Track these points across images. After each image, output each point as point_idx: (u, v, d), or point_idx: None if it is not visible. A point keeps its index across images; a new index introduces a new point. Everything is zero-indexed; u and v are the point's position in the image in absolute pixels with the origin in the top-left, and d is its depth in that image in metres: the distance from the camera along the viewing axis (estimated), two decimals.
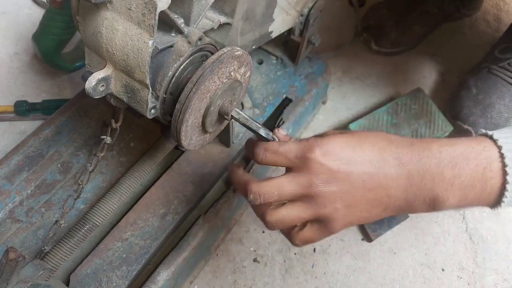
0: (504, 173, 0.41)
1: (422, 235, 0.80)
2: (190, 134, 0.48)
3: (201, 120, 0.48)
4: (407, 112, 0.87)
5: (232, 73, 0.48)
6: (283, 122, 0.76)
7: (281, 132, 0.50)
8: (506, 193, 0.42)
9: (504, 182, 0.41)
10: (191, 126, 0.47)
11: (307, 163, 0.42)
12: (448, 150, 0.42)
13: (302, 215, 0.43)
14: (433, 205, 0.42)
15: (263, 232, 0.79)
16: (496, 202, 0.43)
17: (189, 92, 0.44)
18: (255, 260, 0.76)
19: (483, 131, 0.45)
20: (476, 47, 1.03)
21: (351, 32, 1.03)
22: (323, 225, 0.44)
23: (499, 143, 0.42)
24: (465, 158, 0.42)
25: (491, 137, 0.43)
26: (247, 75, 0.53)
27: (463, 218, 0.82)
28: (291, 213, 0.43)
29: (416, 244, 0.79)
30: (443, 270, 0.77)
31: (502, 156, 0.41)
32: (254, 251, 0.77)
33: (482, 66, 0.91)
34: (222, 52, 0.46)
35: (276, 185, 0.43)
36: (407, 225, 0.80)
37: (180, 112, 0.45)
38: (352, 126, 0.84)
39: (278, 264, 0.76)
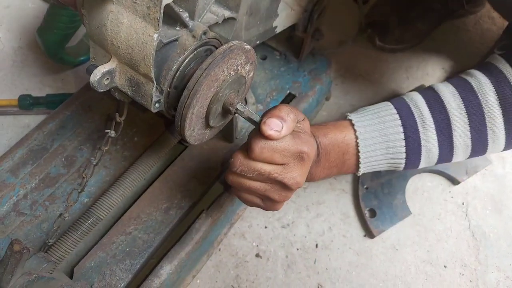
0: (358, 155, 0.57)
1: (424, 232, 0.80)
2: (194, 125, 0.48)
3: (206, 110, 0.48)
4: None
5: (239, 68, 0.49)
6: None
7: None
8: (360, 170, 0.59)
9: (357, 162, 0.58)
10: (196, 114, 0.47)
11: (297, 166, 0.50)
12: (325, 141, 0.56)
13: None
14: (311, 179, 0.58)
15: (266, 227, 0.79)
16: (353, 172, 0.60)
17: (199, 77, 0.44)
18: (257, 255, 0.76)
19: (347, 114, 0.59)
20: (480, 45, 1.03)
21: (355, 29, 1.03)
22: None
23: (355, 127, 0.57)
24: (332, 146, 0.56)
25: (351, 121, 0.58)
26: (251, 75, 0.53)
27: (466, 215, 0.82)
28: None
29: (419, 241, 0.79)
30: (445, 267, 0.77)
31: (357, 138, 0.57)
32: (257, 246, 0.77)
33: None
34: (232, 44, 0.46)
35: (261, 168, 0.48)
36: (409, 222, 0.80)
37: (188, 98, 0.45)
38: None
39: (281, 259, 0.76)
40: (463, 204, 0.83)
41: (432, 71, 0.99)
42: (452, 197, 0.84)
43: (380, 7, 1.03)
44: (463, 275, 0.76)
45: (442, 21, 1.02)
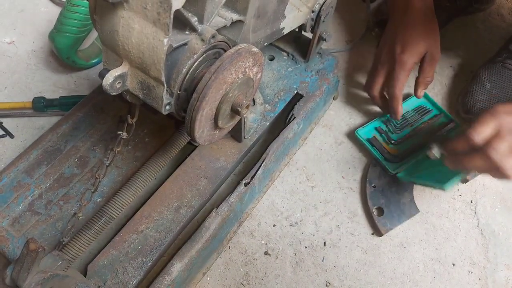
0: None
1: (432, 230, 0.80)
2: (203, 126, 0.49)
3: (215, 112, 0.49)
4: (418, 113, 0.89)
5: (247, 70, 0.50)
6: (294, 118, 0.77)
7: None
8: None
9: None
10: (205, 116, 0.48)
11: None
12: None
13: None
14: None
15: (274, 225, 0.80)
16: None
17: (208, 80, 0.45)
18: (266, 253, 0.77)
19: None
20: (489, 42, 1.02)
21: (362, 28, 1.03)
22: None
23: None
24: None
25: None
26: (258, 76, 0.54)
27: (475, 213, 0.82)
28: None
29: (427, 239, 0.79)
30: (453, 265, 0.77)
31: None
32: (265, 244, 0.78)
33: (496, 61, 0.90)
34: (240, 47, 0.47)
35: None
36: (417, 220, 0.80)
37: (197, 100, 0.46)
38: (359, 131, 0.86)
39: (289, 257, 0.77)
40: (471, 202, 0.83)
41: (440, 69, 0.99)
42: (460, 195, 0.84)
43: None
44: (471, 273, 0.76)
45: (450, 19, 1.02)
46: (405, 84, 0.77)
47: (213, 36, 0.48)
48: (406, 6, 0.77)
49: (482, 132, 0.58)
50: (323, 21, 0.74)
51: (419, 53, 0.76)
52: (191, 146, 0.72)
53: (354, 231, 0.80)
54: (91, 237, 0.61)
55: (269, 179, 0.82)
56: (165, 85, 0.46)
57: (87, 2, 0.79)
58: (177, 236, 0.67)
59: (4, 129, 0.87)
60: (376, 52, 0.83)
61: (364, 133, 0.86)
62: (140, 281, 0.62)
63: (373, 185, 0.82)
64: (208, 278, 0.75)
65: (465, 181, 0.84)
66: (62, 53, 0.88)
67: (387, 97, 0.81)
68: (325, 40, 0.79)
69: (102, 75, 0.47)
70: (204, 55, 0.48)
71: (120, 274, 0.61)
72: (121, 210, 0.63)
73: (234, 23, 0.54)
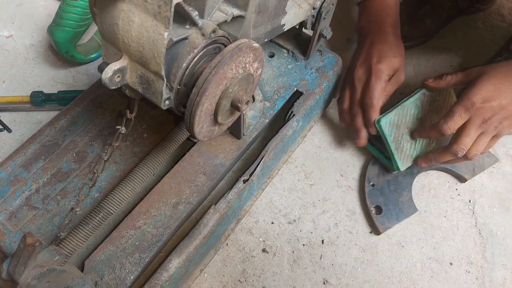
0: None
1: (430, 229, 0.80)
2: (203, 122, 0.49)
3: (214, 107, 0.49)
4: (431, 105, 0.86)
5: (247, 66, 0.49)
6: (294, 115, 0.77)
7: None
8: None
9: None
10: (205, 112, 0.48)
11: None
12: None
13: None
14: None
15: (272, 223, 0.80)
16: None
17: (208, 75, 0.45)
18: (264, 250, 0.77)
19: None
20: (489, 42, 1.02)
21: None
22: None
23: None
24: None
25: None
26: (259, 72, 0.53)
27: (473, 213, 0.82)
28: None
29: (425, 238, 0.79)
30: (451, 264, 0.77)
31: None
32: (263, 241, 0.78)
33: (496, 60, 0.91)
34: (241, 42, 0.47)
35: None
36: (415, 219, 0.80)
37: (197, 95, 0.46)
38: (383, 121, 0.84)
39: (287, 255, 0.77)
40: (470, 201, 0.83)
41: (440, 69, 0.99)
42: (459, 194, 0.84)
43: None
44: (469, 272, 0.76)
45: (451, 19, 1.02)
46: (382, 94, 0.75)
47: (214, 31, 0.47)
48: (379, 27, 0.79)
49: (452, 128, 0.67)
50: (324, 18, 0.73)
51: (393, 67, 0.76)
52: (190, 142, 0.72)
53: (352, 229, 0.80)
54: (88, 232, 0.61)
55: (268, 177, 0.82)
56: (165, 80, 0.46)
57: None
58: (174, 233, 0.67)
59: (1, 123, 0.87)
60: (349, 69, 0.81)
61: None
62: (137, 277, 0.62)
63: (371, 183, 0.82)
64: (206, 275, 0.75)
65: (463, 180, 0.84)
66: (60, 47, 0.87)
67: (364, 110, 0.77)
68: (325, 37, 0.78)
69: (101, 68, 0.46)
70: (205, 49, 0.48)
71: (118, 270, 0.61)
72: (119, 206, 0.63)
73: (235, 18, 0.53)
